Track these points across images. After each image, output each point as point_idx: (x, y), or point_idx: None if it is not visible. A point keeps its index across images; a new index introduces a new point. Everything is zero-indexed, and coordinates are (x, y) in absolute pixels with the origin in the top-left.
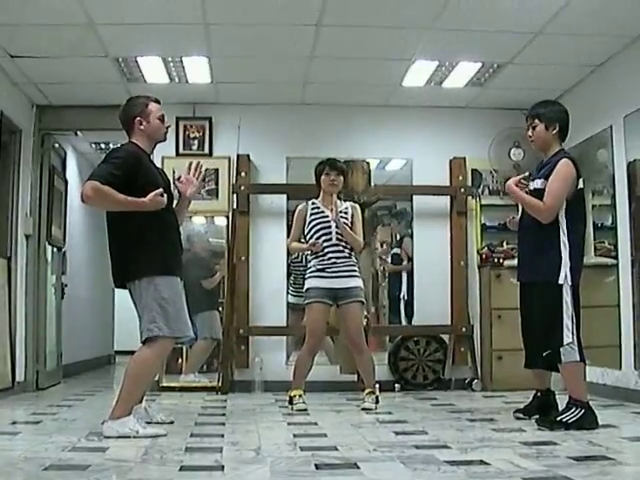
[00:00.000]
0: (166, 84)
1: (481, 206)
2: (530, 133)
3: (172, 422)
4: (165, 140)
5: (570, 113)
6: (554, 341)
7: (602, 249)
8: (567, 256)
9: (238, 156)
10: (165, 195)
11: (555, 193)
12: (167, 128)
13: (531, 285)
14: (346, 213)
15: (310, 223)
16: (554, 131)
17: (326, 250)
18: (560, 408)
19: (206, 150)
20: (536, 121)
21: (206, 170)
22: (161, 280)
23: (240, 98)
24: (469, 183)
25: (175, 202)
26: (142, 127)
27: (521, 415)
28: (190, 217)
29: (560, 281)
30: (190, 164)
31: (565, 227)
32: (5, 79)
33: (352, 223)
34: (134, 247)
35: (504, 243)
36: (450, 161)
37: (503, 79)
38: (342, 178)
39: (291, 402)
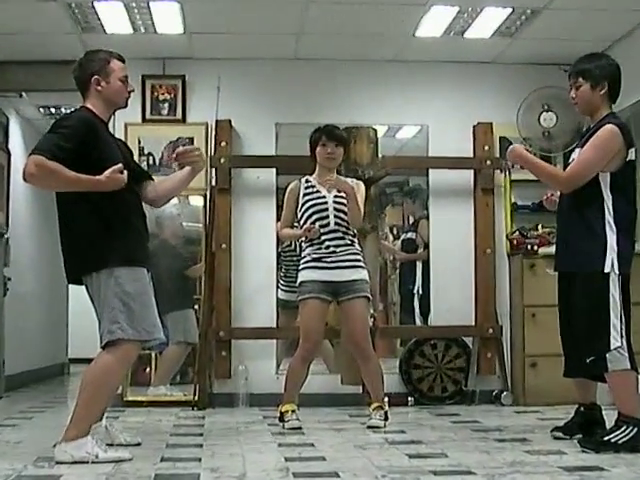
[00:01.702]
0: (129, 35)
1: (511, 182)
2: (573, 94)
3: (139, 444)
4: (126, 106)
5: (622, 69)
6: (599, 345)
7: None
8: (614, 240)
9: (217, 122)
10: (126, 172)
11: (584, 161)
12: (130, 93)
13: (571, 276)
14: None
15: (303, 205)
16: (602, 91)
17: (323, 237)
18: (608, 426)
19: (179, 115)
20: (580, 79)
21: (178, 139)
22: (123, 272)
23: (219, 52)
24: (497, 154)
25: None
26: (99, 88)
27: (561, 434)
28: None
29: (606, 269)
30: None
31: (611, 205)
32: None
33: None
34: (90, 234)
35: (539, 226)
36: (474, 127)
37: (538, 28)
38: (342, 149)
39: (282, 419)
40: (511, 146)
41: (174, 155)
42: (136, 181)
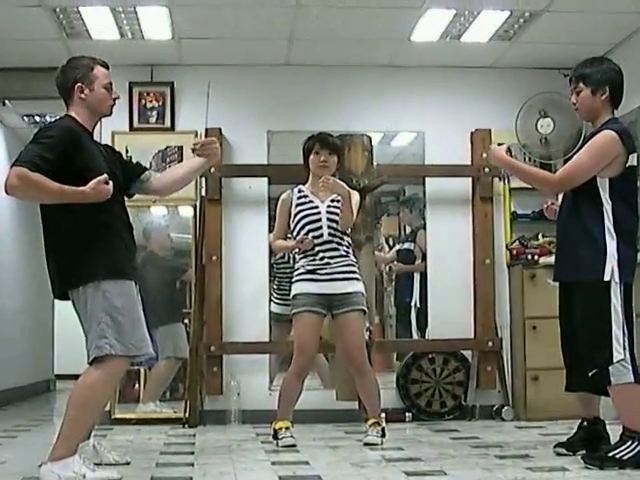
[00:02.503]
0: (116, 41)
1: (510, 190)
2: (574, 99)
3: (128, 463)
4: (111, 114)
5: (625, 72)
6: (601, 358)
7: None
8: (614, 247)
9: (207, 130)
10: (111, 182)
11: (577, 164)
12: (115, 100)
13: (571, 286)
14: (339, 201)
15: (296, 216)
16: (603, 96)
17: (317, 249)
18: (612, 441)
19: (167, 123)
20: (580, 84)
21: (166, 148)
22: (111, 285)
23: (209, 58)
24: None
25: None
26: (83, 96)
27: (563, 450)
28: (148, 207)
29: (606, 277)
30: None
31: (611, 212)
32: None
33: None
34: (75, 247)
35: (540, 236)
36: (471, 134)
37: (537, 31)
38: (336, 158)
39: (276, 436)
40: (491, 146)
41: (192, 146)
42: (132, 178)
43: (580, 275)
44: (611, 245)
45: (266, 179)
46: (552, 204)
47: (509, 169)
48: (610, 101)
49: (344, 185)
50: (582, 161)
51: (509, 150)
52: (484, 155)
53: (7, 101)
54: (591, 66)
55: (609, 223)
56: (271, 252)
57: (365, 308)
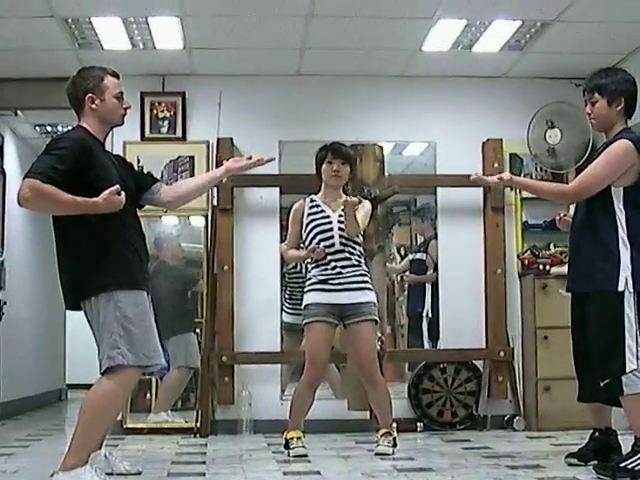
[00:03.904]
0: (127, 51)
1: (522, 200)
2: (589, 110)
3: (139, 473)
4: (122, 124)
5: (637, 81)
6: (614, 368)
7: None
8: (628, 257)
9: (219, 140)
10: (123, 193)
11: (593, 173)
12: (126, 109)
13: (584, 296)
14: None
15: (308, 225)
16: (618, 107)
17: (329, 258)
18: (624, 451)
19: (179, 133)
20: (596, 95)
21: (178, 158)
22: (123, 295)
23: (220, 68)
24: (507, 171)
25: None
26: (94, 106)
27: (575, 461)
28: (160, 217)
29: (620, 288)
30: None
31: (625, 221)
32: None
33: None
34: (87, 258)
35: (551, 246)
36: (483, 144)
37: (548, 41)
38: (349, 167)
39: (287, 446)
40: (499, 175)
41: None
42: (142, 189)
43: (594, 285)
44: (625, 255)
45: (277, 189)
46: (564, 215)
47: (523, 188)
48: (625, 111)
49: (355, 200)
50: (598, 170)
51: (521, 161)
52: (495, 165)
53: (19, 111)
54: (606, 77)
55: (623, 233)
56: (283, 262)
57: (377, 318)
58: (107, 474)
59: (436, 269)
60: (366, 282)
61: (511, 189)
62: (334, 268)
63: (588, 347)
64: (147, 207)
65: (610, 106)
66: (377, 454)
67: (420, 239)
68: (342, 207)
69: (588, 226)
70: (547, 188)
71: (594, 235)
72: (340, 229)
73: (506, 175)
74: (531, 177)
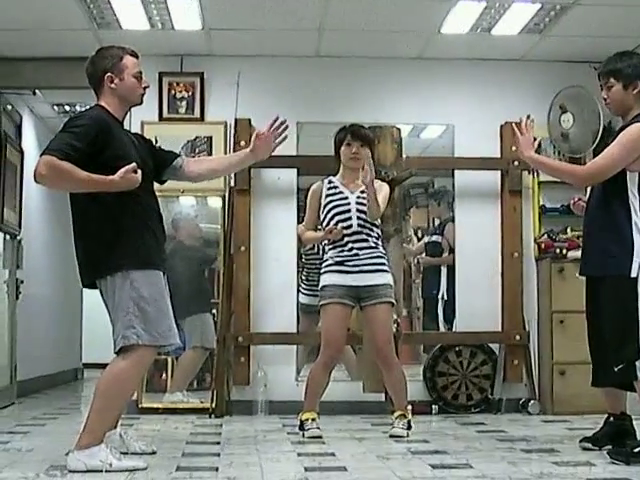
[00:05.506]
0: (146, 31)
1: (539, 183)
2: (605, 94)
3: (154, 452)
4: (141, 103)
5: None
6: (627, 353)
7: None
8: None
9: (236, 121)
10: (140, 171)
11: (608, 156)
12: (145, 89)
13: (598, 280)
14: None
15: (326, 207)
16: (635, 90)
17: (346, 239)
18: (639, 437)
19: (197, 113)
20: (612, 79)
21: (196, 138)
22: (139, 275)
23: (239, 49)
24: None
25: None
26: (113, 85)
27: (589, 445)
28: (177, 197)
29: (633, 273)
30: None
31: (638, 206)
32: None
33: None
34: (104, 237)
35: (568, 229)
36: (501, 127)
37: (567, 24)
38: (368, 149)
39: (302, 427)
40: (519, 137)
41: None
42: (164, 165)
43: (607, 270)
44: (638, 241)
45: (295, 170)
46: (579, 199)
47: (536, 165)
48: None
49: (373, 175)
50: (612, 153)
51: (539, 145)
52: (513, 148)
53: (37, 90)
54: (621, 61)
55: (637, 218)
56: (300, 243)
57: (393, 300)
58: (122, 453)
59: (452, 252)
60: (383, 264)
61: (529, 172)
62: (351, 250)
63: (602, 332)
64: (165, 186)
65: (626, 90)
66: (392, 436)
67: (437, 222)
68: (363, 188)
69: (603, 210)
70: (558, 167)
71: (608, 219)
72: (358, 210)
73: (526, 146)
74: None
